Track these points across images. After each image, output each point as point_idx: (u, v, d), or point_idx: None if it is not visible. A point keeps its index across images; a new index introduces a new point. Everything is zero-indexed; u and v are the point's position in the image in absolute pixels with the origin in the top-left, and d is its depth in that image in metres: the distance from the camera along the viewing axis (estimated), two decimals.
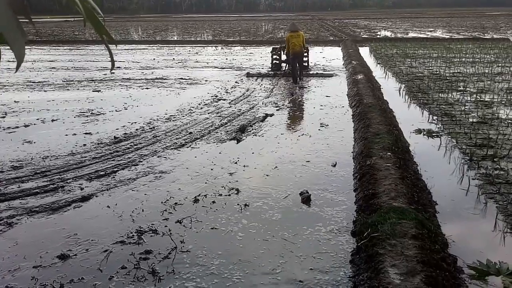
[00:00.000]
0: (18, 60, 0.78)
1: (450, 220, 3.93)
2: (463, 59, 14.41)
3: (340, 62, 15.53)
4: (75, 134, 6.86)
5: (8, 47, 0.81)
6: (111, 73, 13.48)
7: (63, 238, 3.74)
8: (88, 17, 0.95)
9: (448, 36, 25.64)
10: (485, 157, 5.37)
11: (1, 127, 7.33)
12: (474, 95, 8.81)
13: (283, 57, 13.09)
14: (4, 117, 8.07)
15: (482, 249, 3.46)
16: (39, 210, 4.27)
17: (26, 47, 0.80)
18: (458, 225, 3.88)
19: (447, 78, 10.98)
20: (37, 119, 7.84)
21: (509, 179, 4.68)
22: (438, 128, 6.80)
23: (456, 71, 12.06)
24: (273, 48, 13.98)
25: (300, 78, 11.56)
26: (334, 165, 5.41)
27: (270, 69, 13.57)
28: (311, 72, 13.00)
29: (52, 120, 7.80)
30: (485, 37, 24.45)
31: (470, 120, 7.09)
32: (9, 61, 16.03)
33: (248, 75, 12.80)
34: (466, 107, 7.93)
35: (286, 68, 12.48)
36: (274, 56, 13.36)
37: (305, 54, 12.68)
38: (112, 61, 1.14)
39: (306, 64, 13.09)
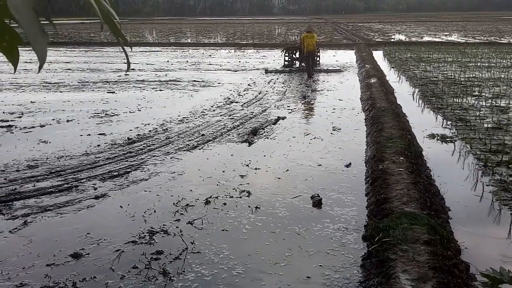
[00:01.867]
0: (40, 61, 0.81)
1: (463, 227, 3.89)
2: (479, 64, 14.23)
3: (352, 65, 15.46)
4: (89, 135, 6.95)
5: (28, 48, 0.84)
6: (126, 74, 13.68)
7: (76, 237, 3.80)
8: (104, 20, 0.98)
9: (463, 40, 25.33)
10: (500, 163, 5.29)
11: (18, 127, 7.47)
12: (490, 100, 8.70)
13: (296, 55, 14.71)
14: (20, 117, 8.23)
15: (495, 256, 3.42)
16: (53, 209, 4.34)
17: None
18: (471, 232, 3.83)
19: (462, 82, 10.85)
20: (53, 120, 7.98)
21: None
22: (452, 133, 6.73)
23: (471, 75, 11.91)
24: (286, 48, 15.22)
25: (312, 73, 12.98)
26: (348, 166, 5.47)
27: (283, 67, 14.79)
28: (320, 68, 14.41)
29: (67, 121, 7.92)
30: (502, 41, 24.10)
31: (485, 125, 7.00)
32: (26, 62, 16.35)
33: (267, 71, 14.16)
34: (481, 112, 7.83)
35: (300, 65, 14.30)
36: (288, 55, 14.77)
37: (318, 54, 14.33)
38: (128, 62, 1.17)
39: (318, 60, 14.60)
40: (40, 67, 0.85)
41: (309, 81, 12.25)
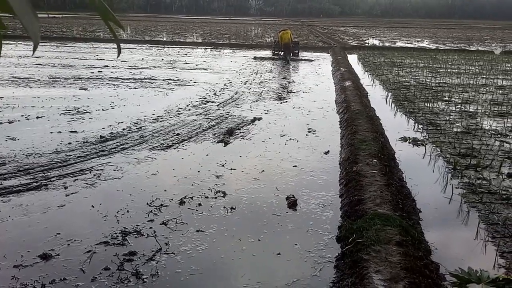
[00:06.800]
0: (35, 42, 0.84)
1: (433, 228, 3.99)
2: (449, 70, 14.68)
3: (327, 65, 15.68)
4: (60, 132, 6.76)
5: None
6: (117, 58, 13.57)
7: (45, 238, 3.68)
8: (95, 3, 0.98)
9: (434, 47, 26.06)
10: (469, 167, 5.46)
11: None
12: (459, 106, 8.98)
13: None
14: None
15: (464, 256, 3.52)
16: (21, 208, 4.19)
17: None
18: (441, 233, 3.94)
19: (433, 88, 11.16)
20: (22, 116, 7.71)
21: (491, 189, 4.77)
22: (423, 136, 6.91)
23: (441, 81, 12.27)
24: (274, 43, 19.77)
25: (289, 61, 17.04)
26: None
27: (272, 55, 19.20)
28: (297, 58, 18.34)
29: (37, 117, 7.68)
30: (471, 49, 24.94)
31: (455, 129, 7.22)
32: None
33: (255, 58, 18.32)
34: (451, 117, 8.07)
35: (282, 54, 18.14)
36: (276, 49, 19.06)
37: (296, 52, 18.76)
38: (119, 48, 1.16)
39: (297, 53, 18.88)
40: (35, 49, 0.88)
41: (285, 82, 12.32)
